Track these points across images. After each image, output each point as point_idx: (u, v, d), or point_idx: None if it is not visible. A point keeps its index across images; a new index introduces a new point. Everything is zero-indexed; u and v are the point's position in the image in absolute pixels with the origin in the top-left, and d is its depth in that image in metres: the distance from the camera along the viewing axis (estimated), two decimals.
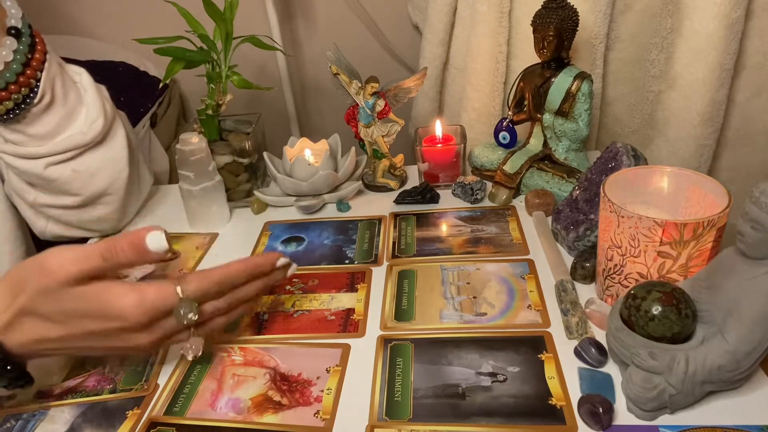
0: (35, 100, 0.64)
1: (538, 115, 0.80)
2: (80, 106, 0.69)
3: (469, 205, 0.81)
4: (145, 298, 0.47)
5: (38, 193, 0.72)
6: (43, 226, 0.76)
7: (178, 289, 0.49)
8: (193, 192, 0.77)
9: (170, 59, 0.76)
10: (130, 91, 1.14)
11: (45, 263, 0.47)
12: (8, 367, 0.49)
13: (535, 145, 0.82)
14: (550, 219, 0.74)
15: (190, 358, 0.53)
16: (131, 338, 0.49)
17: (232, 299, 0.53)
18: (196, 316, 0.49)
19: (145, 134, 1.12)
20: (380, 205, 0.83)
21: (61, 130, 0.68)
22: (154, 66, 1.23)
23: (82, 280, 0.47)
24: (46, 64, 0.65)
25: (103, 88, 0.73)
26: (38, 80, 0.64)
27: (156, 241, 0.48)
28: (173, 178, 1.10)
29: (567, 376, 0.53)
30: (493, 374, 0.53)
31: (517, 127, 0.84)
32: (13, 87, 0.62)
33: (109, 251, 0.47)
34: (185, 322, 0.49)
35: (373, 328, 0.61)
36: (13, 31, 0.63)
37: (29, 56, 0.63)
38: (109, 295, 0.47)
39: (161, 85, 0.86)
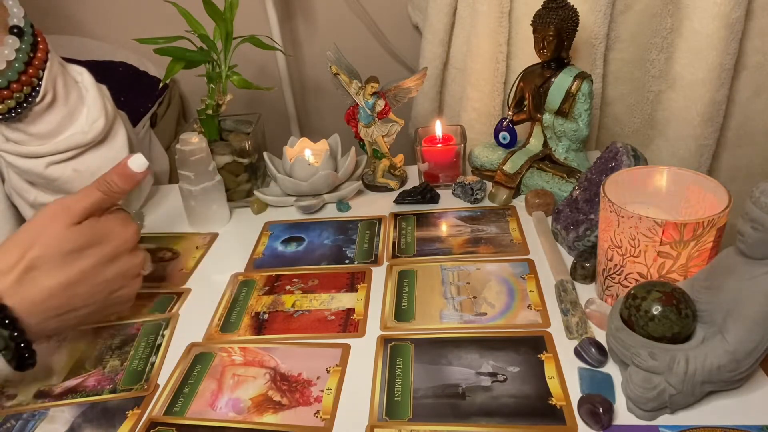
0: (37, 99, 0.65)
1: (538, 115, 0.80)
2: (81, 105, 0.69)
3: (469, 205, 0.81)
4: (125, 216, 0.58)
5: (39, 192, 0.72)
6: None
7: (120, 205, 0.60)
8: (193, 192, 0.77)
9: (170, 59, 0.76)
10: (130, 91, 1.14)
11: (53, 210, 0.53)
12: (21, 345, 0.50)
13: (535, 145, 0.82)
14: (550, 219, 0.74)
15: (147, 272, 0.61)
16: (131, 258, 0.57)
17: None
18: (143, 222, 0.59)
19: (145, 134, 1.12)
20: (380, 205, 0.83)
21: (62, 129, 0.68)
22: (154, 66, 1.23)
23: (87, 215, 0.54)
24: (48, 63, 0.65)
25: (104, 87, 0.73)
26: (40, 79, 0.64)
27: (137, 162, 0.56)
28: (173, 178, 1.10)
29: (567, 376, 0.53)
30: (493, 374, 0.53)
31: (517, 127, 0.84)
32: (15, 86, 0.62)
33: (102, 183, 0.55)
34: (143, 225, 0.60)
35: (373, 328, 0.61)
36: (15, 30, 0.63)
37: (31, 55, 0.63)
38: (107, 220, 0.56)
39: (161, 85, 0.86)
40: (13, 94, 0.63)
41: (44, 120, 0.66)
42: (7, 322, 0.49)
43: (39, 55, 0.64)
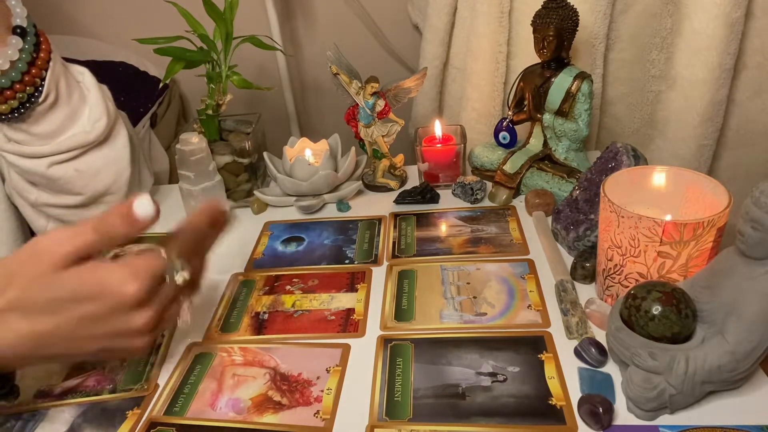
0: (40, 99, 0.65)
1: (538, 115, 0.80)
2: (83, 105, 0.69)
3: (469, 205, 0.81)
4: (138, 268, 0.46)
5: (40, 192, 0.72)
6: (43, 226, 0.76)
7: (162, 251, 0.47)
8: (193, 192, 0.77)
9: (170, 59, 0.76)
10: (130, 91, 1.14)
11: (37, 247, 0.45)
12: None
13: (535, 145, 0.82)
14: (550, 219, 0.74)
15: (186, 325, 0.51)
16: (131, 319, 0.46)
17: (202, 253, 0.52)
18: (188, 273, 0.48)
19: (145, 134, 1.12)
20: (380, 205, 0.83)
21: (64, 129, 0.68)
22: (154, 66, 1.23)
23: (76, 259, 0.45)
24: (51, 64, 0.65)
25: (105, 88, 0.73)
26: (43, 79, 0.64)
27: (143, 207, 0.46)
28: (173, 178, 1.10)
29: (567, 376, 0.53)
30: (493, 374, 0.53)
31: (517, 127, 0.84)
32: (18, 86, 0.62)
33: (100, 224, 0.46)
34: (181, 281, 0.47)
35: (373, 328, 0.61)
36: (18, 30, 0.63)
37: (34, 55, 0.63)
38: (104, 271, 0.45)
39: (161, 85, 0.86)
40: (16, 95, 0.63)
41: (47, 120, 0.66)
42: None
43: (42, 55, 0.64)
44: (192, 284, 0.51)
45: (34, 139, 0.67)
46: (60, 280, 0.44)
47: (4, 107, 0.63)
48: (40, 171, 0.69)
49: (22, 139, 0.67)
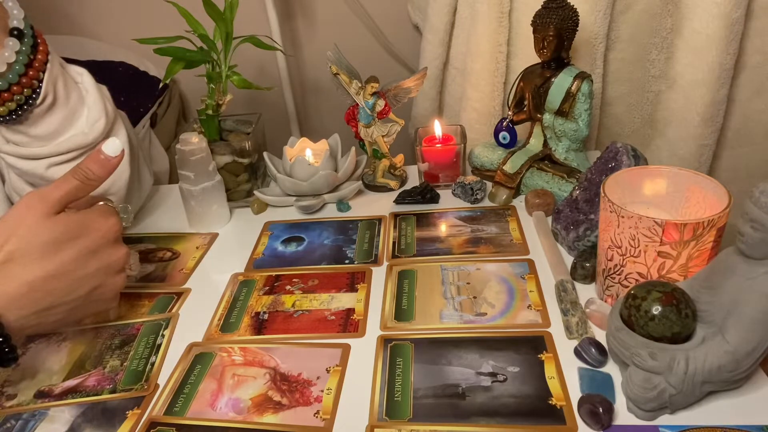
0: (38, 101, 0.64)
1: (538, 115, 0.80)
2: (82, 106, 0.69)
3: (469, 205, 0.81)
4: (105, 209, 0.57)
5: None
6: None
7: (107, 201, 0.59)
8: (193, 192, 0.77)
9: (170, 59, 0.76)
10: (130, 91, 1.14)
11: (30, 200, 0.52)
12: (1, 339, 0.49)
13: (535, 145, 0.82)
14: (550, 219, 0.74)
15: (131, 272, 0.61)
16: (114, 252, 0.56)
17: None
18: (130, 220, 0.60)
19: (145, 134, 1.12)
20: (380, 205, 0.83)
21: (63, 130, 0.68)
22: (154, 66, 1.23)
23: (65, 204, 0.54)
24: (49, 65, 0.65)
25: (104, 88, 0.73)
26: (41, 81, 0.64)
27: (111, 147, 0.56)
28: (173, 178, 1.10)
29: (567, 376, 0.53)
30: (493, 374, 0.53)
31: (517, 127, 0.84)
32: (15, 88, 0.62)
33: (77, 170, 0.55)
34: (131, 219, 0.59)
35: (373, 328, 0.61)
36: (15, 32, 0.62)
37: (32, 57, 0.63)
38: (87, 211, 0.55)
39: (161, 85, 0.86)
40: (14, 96, 0.63)
41: (45, 122, 0.66)
42: None
43: (39, 57, 0.64)
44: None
45: (33, 140, 0.67)
46: (53, 224, 0.52)
47: (1, 109, 0.63)
48: (39, 172, 0.68)
49: (20, 140, 0.67)
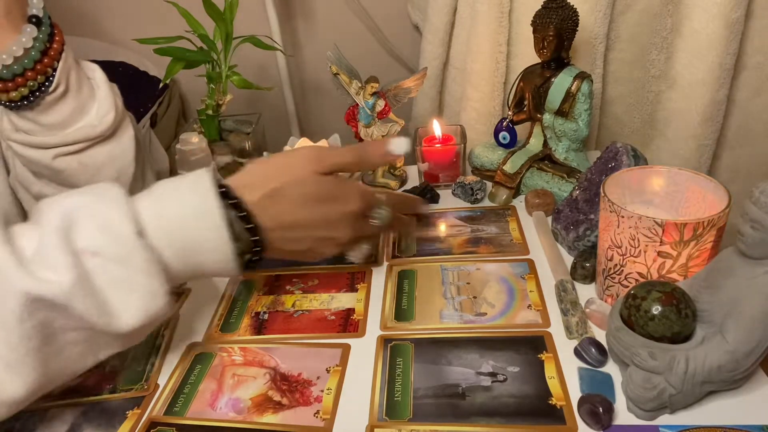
0: (50, 89, 0.65)
1: (538, 115, 0.80)
2: (92, 100, 0.70)
3: (469, 205, 0.81)
4: (366, 192, 0.58)
5: (43, 184, 0.72)
6: None
7: (380, 196, 0.60)
8: None
9: (170, 59, 0.76)
10: (130, 91, 1.14)
11: (308, 153, 0.56)
12: (256, 237, 0.52)
13: (535, 145, 0.82)
14: (550, 219, 0.74)
15: (356, 260, 0.65)
16: (344, 228, 0.57)
17: (400, 222, 0.66)
18: (387, 221, 0.60)
19: (145, 134, 1.12)
20: None
21: (72, 121, 0.68)
22: (154, 66, 1.23)
23: (335, 170, 0.56)
24: (63, 55, 0.66)
25: (115, 86, 0.74)
26: (55, 69, 0.65)
27: (400, 146, 0.59)
28: None
29: (567, 376, 0.53)
30: (493, 374, 0.53)
31: (517, 127, 0.84)
32: (29, 74, 0.63)
33: (359, 149, 0.59)
34: (379, 223, 0.59)
35: (373, 328, 0.61)
36: (33, 20, 0.64)
37: (48, 45, 0.65)
38: (349, 184, 0.58)
39: (161, 85, 0.86)
40: (27, 82, 0.63)
41: (55, 110, 0.67)
42: (246, 224, 0.51)
43: (55, 46, 0.65)
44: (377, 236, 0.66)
45: (42, 129, 0.68)
46: (319, 182, 0.55)
47: (14, 94, 0.63)
48: (45, 162, 0.69)
49: (29, 128, 0.68)
